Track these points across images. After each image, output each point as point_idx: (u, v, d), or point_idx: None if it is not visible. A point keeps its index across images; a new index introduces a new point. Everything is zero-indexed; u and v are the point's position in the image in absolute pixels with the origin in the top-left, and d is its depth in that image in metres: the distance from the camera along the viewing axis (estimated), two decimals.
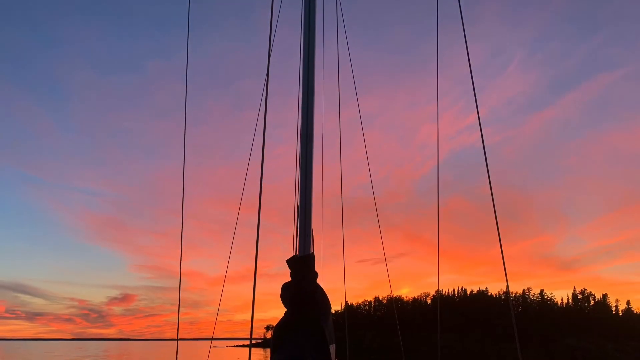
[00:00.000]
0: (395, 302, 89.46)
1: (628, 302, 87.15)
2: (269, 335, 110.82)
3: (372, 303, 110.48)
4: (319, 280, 2.57)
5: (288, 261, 2.54)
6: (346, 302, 4.65)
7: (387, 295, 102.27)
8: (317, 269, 2.58)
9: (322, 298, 2.52)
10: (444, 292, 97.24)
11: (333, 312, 2.65)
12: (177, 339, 3.43)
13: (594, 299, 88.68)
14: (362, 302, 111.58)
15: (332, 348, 2.38)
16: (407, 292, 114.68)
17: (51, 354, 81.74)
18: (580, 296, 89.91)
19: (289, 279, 2.52)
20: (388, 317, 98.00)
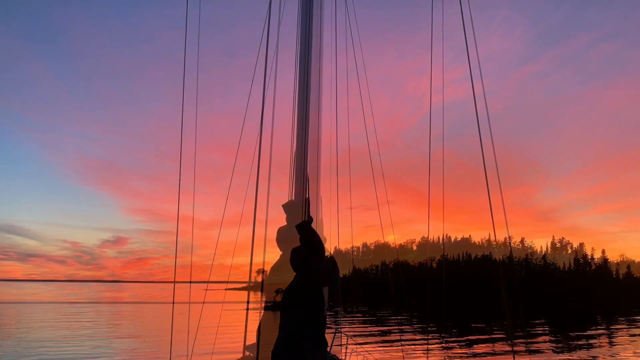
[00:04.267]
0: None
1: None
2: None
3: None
4: (314, 225, 2.67)
5: (284, 206, 2.63)
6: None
7: (376, 241, 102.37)
8: (312, 213, 2.68)
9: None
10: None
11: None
12: (174, 282, 3.59)
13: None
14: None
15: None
16: (399, 242, 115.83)
17: (43, 295, 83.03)
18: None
19: (284, 223, 2.61)
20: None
